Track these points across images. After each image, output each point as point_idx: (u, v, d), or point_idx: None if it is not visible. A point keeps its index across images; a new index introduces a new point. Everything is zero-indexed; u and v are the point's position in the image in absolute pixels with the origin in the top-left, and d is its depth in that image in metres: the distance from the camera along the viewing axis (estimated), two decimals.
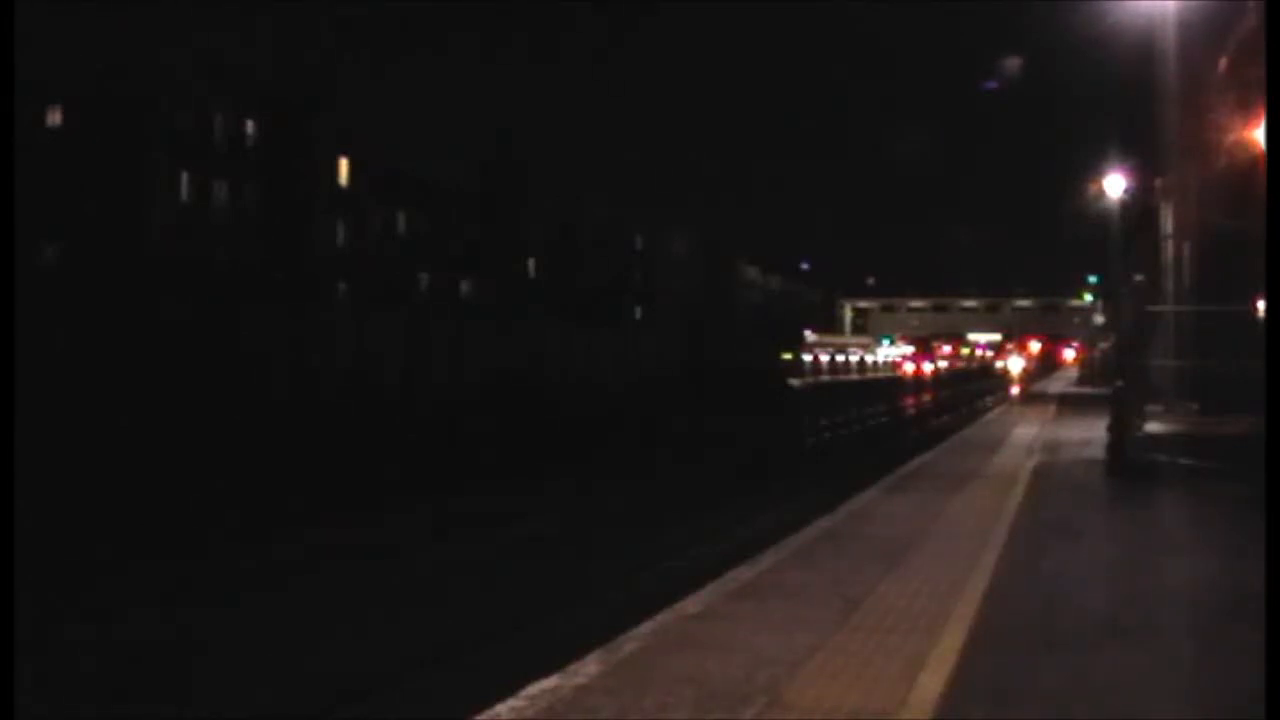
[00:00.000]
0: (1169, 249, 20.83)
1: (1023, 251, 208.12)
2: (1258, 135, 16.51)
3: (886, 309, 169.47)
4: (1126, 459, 14.94)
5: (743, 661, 6.18)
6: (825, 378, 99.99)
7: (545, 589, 12.17)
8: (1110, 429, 15.72)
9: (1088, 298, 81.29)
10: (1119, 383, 15.89)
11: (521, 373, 36.32)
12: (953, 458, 19.78)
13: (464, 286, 63.81)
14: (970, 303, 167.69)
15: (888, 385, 77.72)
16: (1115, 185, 31.22)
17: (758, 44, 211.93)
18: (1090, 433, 21.46)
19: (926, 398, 64.22)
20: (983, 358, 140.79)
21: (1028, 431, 25.52)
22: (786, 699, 5.58)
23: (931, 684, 5.79)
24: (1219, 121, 18.56)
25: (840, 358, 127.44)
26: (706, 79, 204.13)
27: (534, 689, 5.76)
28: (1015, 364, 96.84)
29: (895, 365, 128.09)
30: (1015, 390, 58.82)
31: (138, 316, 22.97)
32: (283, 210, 51.34)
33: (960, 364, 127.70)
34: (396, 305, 51.73)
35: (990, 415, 36.55)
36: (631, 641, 6.68)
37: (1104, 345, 56.64)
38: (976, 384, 78.34)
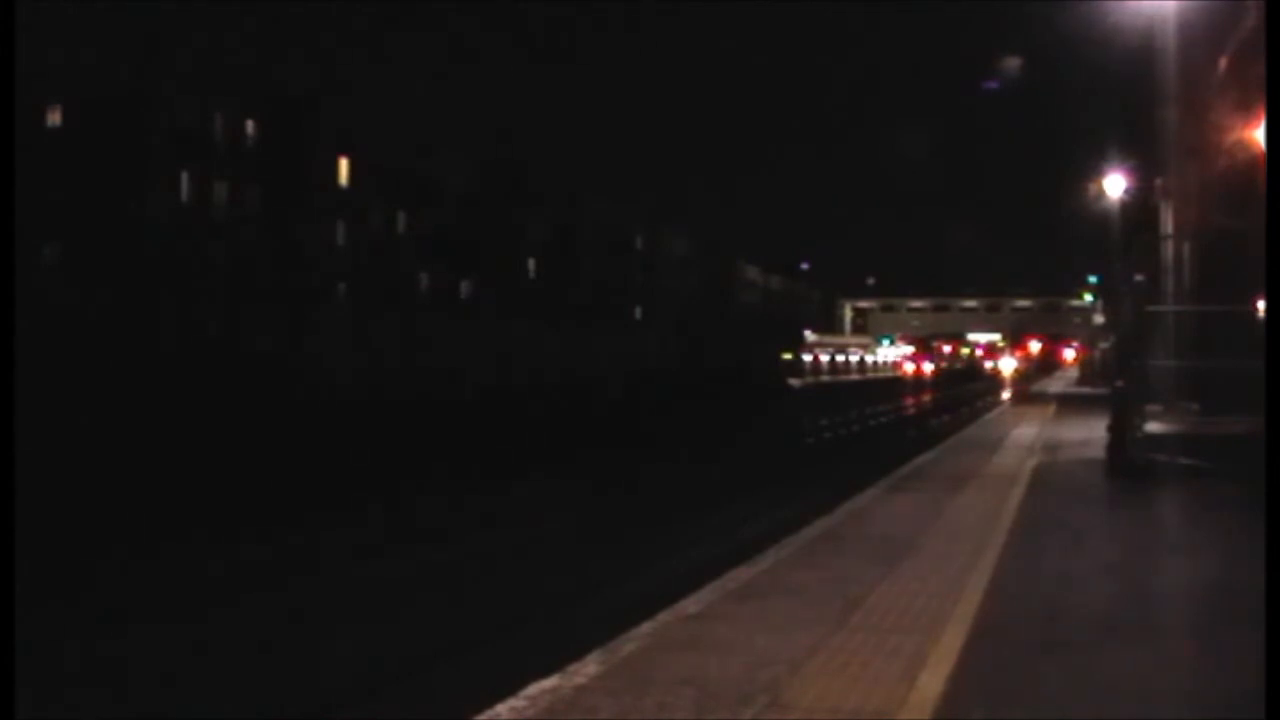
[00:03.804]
0: (1169, 249, 20.80)
1: (1023, 251, 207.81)
2: (1258, 135, 16.49)
3: (886, 309, 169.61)
4: (1126, 459, 14.92)
5: (743, 661, 6.17)
6: (825, 378, 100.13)
7: None
8: (1110, 429, 15.70)
9: (1088, 298, 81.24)
10: (1119, 383, 15.86)
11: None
12: (952, 457, 19.79)
13: (464, 286, 63.84)
14: (970, 303, 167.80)
15: (887, 385, 77.74)
16: (1115, 185, 31.17)
17: (758, 44, 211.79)
18: (1090, 433, 21.45)
19: (926, 398, 64.26)
20: (978, 358, 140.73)
21: (1027, 431, 25.53)
22: (786, 699, 5.58)
23: (931, 684, 5.78)
24: (1219, 121, 18.52)
25: (840, 358, 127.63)
26: (707, 79, 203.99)
27: (534, 689, 5.76)
28: (1007, 365, 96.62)
29: (895, 365, 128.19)
30: (1006, 394, 58.40)
31: (132, 316, 23.09)
32: (280, 209, 51.33)
33: (945, 365, 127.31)
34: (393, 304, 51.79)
35: (990, 415, 36.58)
36: (631, 642, 6.68)
37: (1104, 345, 56.63)
38: (976, 384, 78.33)
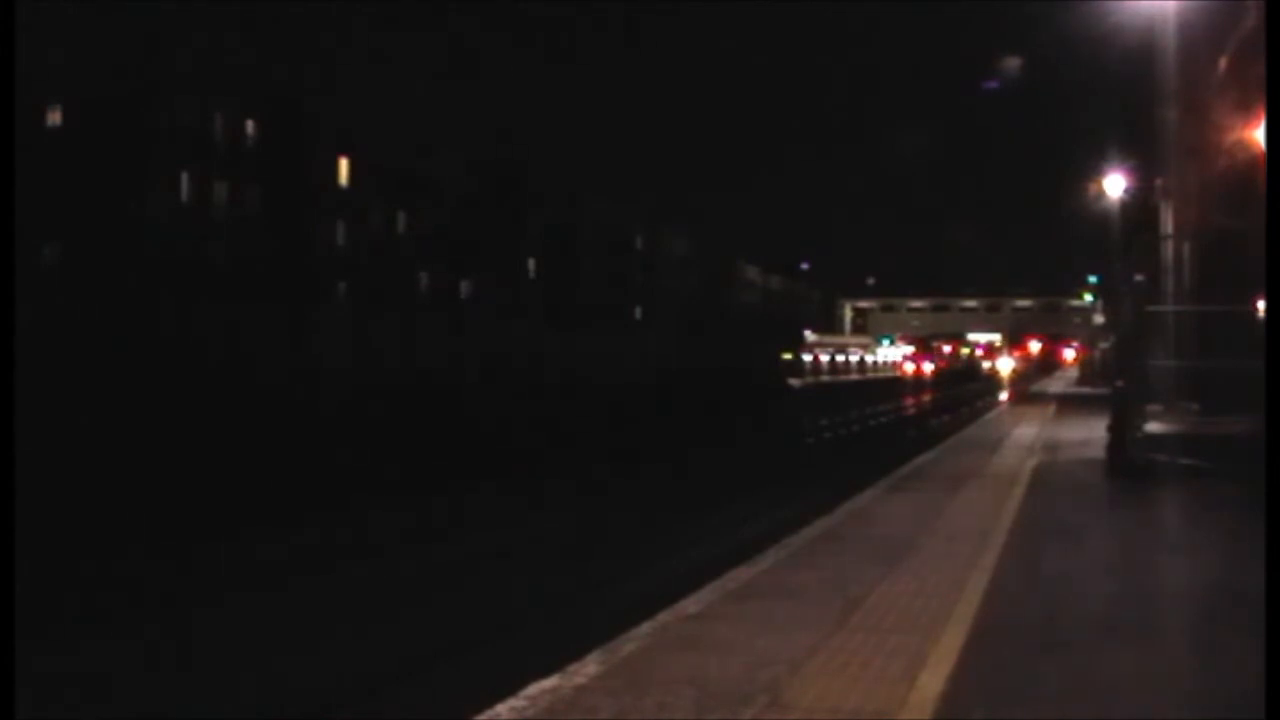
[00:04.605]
0: (1169, 249, 20.79)
1: (1023, 251, 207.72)
2: (1258, 135, 16.49)
3: (886, 309, 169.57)
4: (1126, 459, 14.91)
5: (743, 661, 6.17)
6: (825, 378, 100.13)
7: None
8: (1110, 429, 15.70)
9: (1088, 298, 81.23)
10: (1119, 383, 15.86)
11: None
12: (952, 457, 19.79)
13: (464, 286, 63.83)
14: (970, 303, 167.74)
15: (887, 385, 77.74)
16: (1115, 185, 31.18)
17: (758, 44, 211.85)
18: (1090, 433, 21.45)
19: (926, 398, 64.24)
20: (978, 358, 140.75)
21: (1027, 431, 25.53)
22: (786, 699, 5.58)
23: (931, 684, 5.78)
24: (1219, 121, 18.53)
25: (840, 358, 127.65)
26: (707, 79, 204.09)
27: (534, 689, 5.76)
28: (1005, 365, 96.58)
29: (895, 365, 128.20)
30: (1004, 396, 58.19)
31: (131, 316, 23.00)
32: (280, 209, 51.31)
33: (946, 365, 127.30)
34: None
35: (990, 415, 36.57)
36: (631, 642, 6.68)
37: (1104, 345, 56.61)
38: (975, 385, 78.33)
